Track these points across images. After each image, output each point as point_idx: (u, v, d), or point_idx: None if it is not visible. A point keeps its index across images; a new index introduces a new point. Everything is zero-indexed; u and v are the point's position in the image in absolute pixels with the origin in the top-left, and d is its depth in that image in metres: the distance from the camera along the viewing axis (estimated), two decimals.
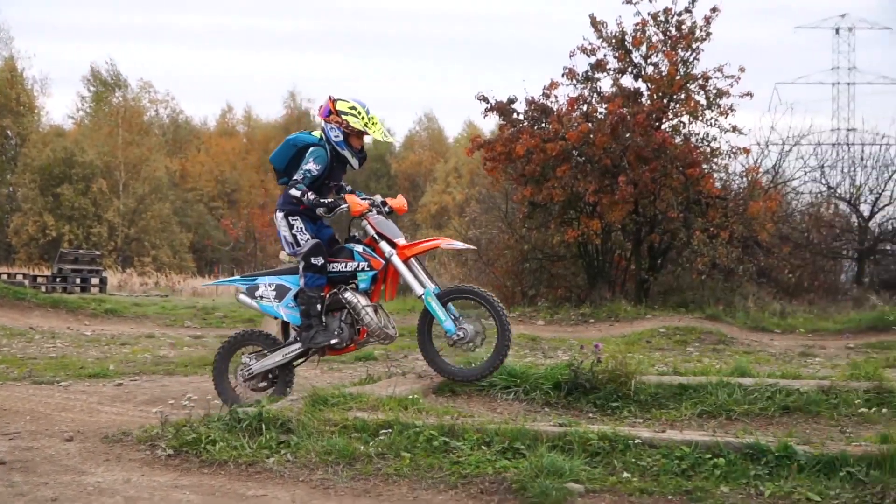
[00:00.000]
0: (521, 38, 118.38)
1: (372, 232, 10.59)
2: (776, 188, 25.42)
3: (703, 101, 24.04)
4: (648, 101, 23.89)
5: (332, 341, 10.60)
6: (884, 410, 9.93)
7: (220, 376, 10.98)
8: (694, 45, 24.07)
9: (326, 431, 8.68)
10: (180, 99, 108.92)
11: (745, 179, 25.17)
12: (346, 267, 10.64)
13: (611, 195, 22.97)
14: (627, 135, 23.07)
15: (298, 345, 10.75)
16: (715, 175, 24.61)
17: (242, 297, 11.08)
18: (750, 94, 23.90)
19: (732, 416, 10.00)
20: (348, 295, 10.55)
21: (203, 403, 9.73)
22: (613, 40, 24.33)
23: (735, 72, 23.99)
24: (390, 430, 8.57)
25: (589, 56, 24.56)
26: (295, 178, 10.46)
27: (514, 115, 24.68)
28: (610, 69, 24.53)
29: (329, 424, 8.80)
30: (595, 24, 24.45)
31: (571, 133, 23.15)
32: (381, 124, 10.85)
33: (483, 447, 8.30)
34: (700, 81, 23.98)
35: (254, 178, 69.99)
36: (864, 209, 25.75)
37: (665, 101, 23.88)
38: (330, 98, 10.83)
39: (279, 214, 10.76)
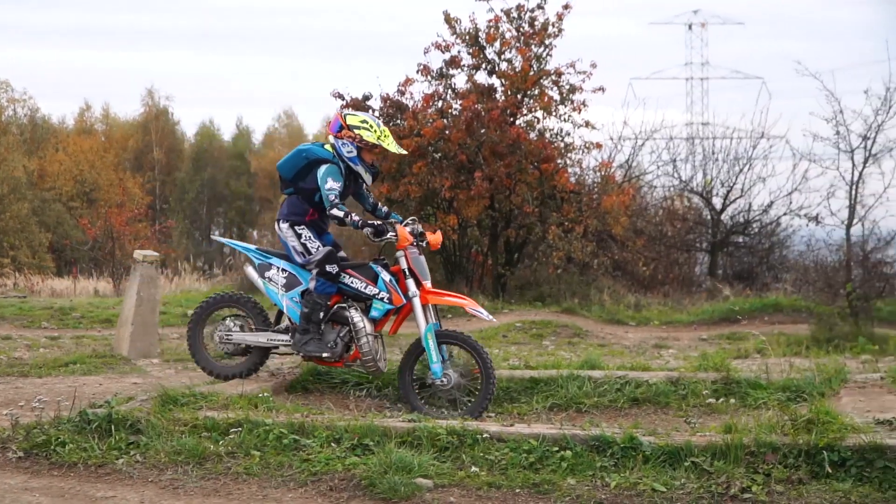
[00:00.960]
0: (378, 34, 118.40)
1: (404, 265, 10.36)
2: (630, 182, 25.76)
3: (557, 97, 24.25)
4: (503, 97, 24.00)
5: (324, 355, 10.42)
6: (731, 401, 10.15)
7: (195, 337, 10.93)
8: (547, 42, 24.23)
9: (176, 431, 8.63)
10: (38, 97, 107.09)
11: (598, 174, 25.47)
12: (364, 288, 10.41)
13: (467, 191, 23.03)
14: (482, 130, 23.14)
15: (287, 338, 10.59)
16: (569, 170, 24.86)
17: (250, 270, 10.94)
18: (602, 90, 24.19)
19: (583, 408, 10.15)
20: (356, 317, 10.33)
21: (54, 405, 9.52)
22: (467, 37, 24.37)
23: (588, 67, 24.23)
24: (240, 429, 8.53)
25: (443, 52, 24.57)
26: (330, 199, 10.12)
27: (370, 112, 24.60)
28: (464, 65, 24.58)
29: (179, 424, 8.75)
30: (449, 20, 24.47)
31: (427, 129, 23.15)
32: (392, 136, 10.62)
33: (333, 444, 8.32)
34: (553, 77, 24.15)
35: (112, 177, 68.86)
36: (717, 202, 26.19)
37: (519, 96, 24.01)
38: (339, 113, 10.66)
39: (284, 225, 10.58)
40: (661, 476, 7.71)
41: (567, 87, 24.19)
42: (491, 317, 10.57)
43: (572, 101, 24.20)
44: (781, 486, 7.56)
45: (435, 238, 10.70)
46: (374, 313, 10.35)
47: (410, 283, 10.28)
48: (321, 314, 10.34)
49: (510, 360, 12.84)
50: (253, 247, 11.14)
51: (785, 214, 24.89)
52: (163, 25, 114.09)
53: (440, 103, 24.28)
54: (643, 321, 20.65)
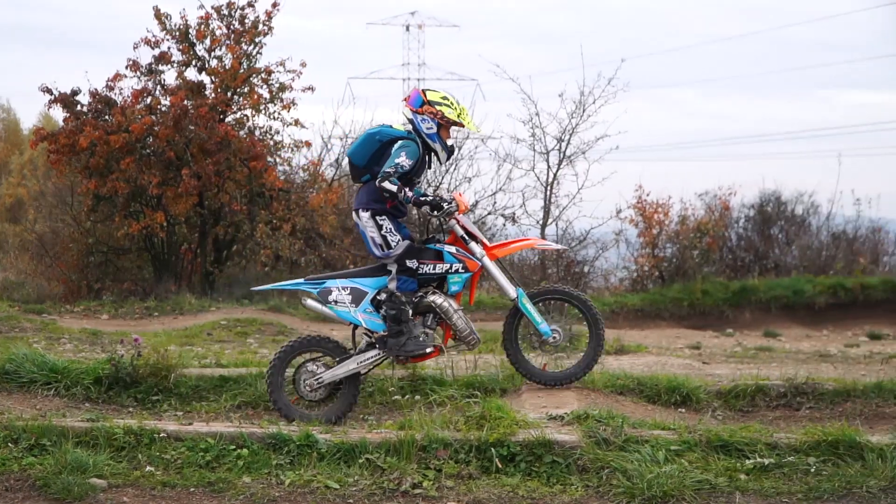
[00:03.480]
0: (92, 29, 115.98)
1: (461, 232, 10.12)
2: (339, 181, 25.93)
3: (267, 95, 24.31)
4: (212, 95, 23.93)
5: (428, 350, 10.01)
6: (416, 397, 10.34)
7: (278, 388, 10.02)
8: (257, 40, 24.27)
9: None
10: None
11: (307, 172, 25.62)
12: (434, 269, 10.06)
13: (175, 188, 22.88)
14: (191, 127, 23.01)
15: (377, 352, 10.06)
16: (278, 168, 24.96)
17: (311, 302, 10.26)
18: (312, 88, 24.36)
19: (273, 407, 10.20)
20: (439, 299, 10.02)
21: None
22: (177, 33, 24.20)
23: (298, 66, 24.39)
24: None
25: (153, 48, 24.33)
26: (385, 170, 9.74)
27: (79, 108, 24.17)
28: (174, 62, 24.38)
29: None
30: (159, 16, 24.23)
31: (135, 125, 22.88)
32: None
33: (10, 444, 8.23)
34: (263, 75, 24.22)
35: None
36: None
37: (229, 94, 23.98)
38: (419, 90, 10.31)
39: (365, 214, 10.05)
40: (336, 473, 7.91)
41: (277, 85, 24.29)
42: (559, 245, 10.52)
43: (282, 100, 24.31)
44: (452, 481, 7.86)
45: (464, 200, 10.31)
46: (453, 288, 10.08)
47: (474, 246, 10.09)
48: (409, 312, 9.97)
49: (208, 359, 12.79)
50: (301, 280, 10.63)
51: (489, 214, 25.41)
52: None
53: (149, 99, 24.03)
54: None
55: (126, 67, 24.31)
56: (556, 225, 17.75)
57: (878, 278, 22.62)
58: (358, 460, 8.05)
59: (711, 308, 21.31)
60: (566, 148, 17.58)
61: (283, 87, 24.25)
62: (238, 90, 24.13)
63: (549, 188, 17.65)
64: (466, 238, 10.10)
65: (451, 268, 10.03)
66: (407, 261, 9.91)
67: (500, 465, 8.05)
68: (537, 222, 17.67)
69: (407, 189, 9.77)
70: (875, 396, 10.60)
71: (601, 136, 17.66)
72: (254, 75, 24.19)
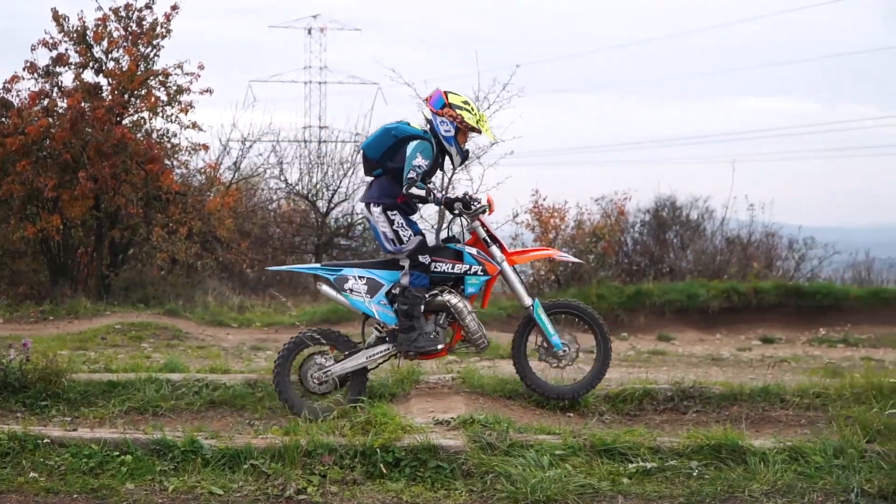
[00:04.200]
0: None
1: (483, 234, 10.21)
2: (236, 184, 25.87)
3: (164, 98, 24.15)
4: (109, 97, 23.73)
5: (439, 347, 10.05)
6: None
7: (285, 380, 10.06)
8: (155, 42, 24.09)
9: None
10: None
11: (204, 176, 25.50)
12: (452, 268, 10.11)
13: (71, 191, 22.68)
14: (88, 130, 22.82)
15: (387, 346, 10.11)
16: (176, 171, 24.81)
17: (326, 288, 10.28)
18: (210, 91, 24.23)
19: (160, 411, 10.16)
20: (454, 299, 10.03)
21: None
22: (75, 34, 23.95)
23: (195, 69, 24.25)
24: None
25: (51, 50, 24.07)
26: (408, 176, 9.79)
27: None
28: (72, 63, 24.11)
29: None
30: (57, 17, 23.95)
31: (31, 128, 22.64)
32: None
33: None
34: (161, 78, 24.06)
35: None
36: (322, 205, 26.55)
37: (126, 96, 23.79)
38: (442, 91, 10.24)
39: (376, 209, 10.07)
40: (220, 479, 7.90)
41: (175, 87, 24.14)
42: (576, 259, 10.73)
43: (180, 102, 24.15)
44: (336, 487, 7.89)
45: (492, 203, 10.38)
46: (470, 290, 10.13)
47: (495, 249, 10.18)
48: (421, 308, 9.97)
49: (107, 363, 12.70)
50: (317, 265, 10.73)
51: None
52: None
53: (46, 101, 23.77)
54: (245, 323, 20.76)
55: (23, 69, 24.02)
56: (450, 229, 17.75)
57: (770, 283, 22.91)
58: (243, 466, 8.05)
59: (606, 312, 21.32)
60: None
61: (180, 90, 24.11)
62: (135, 92, 23.93)
63: (444, 193, 17.71)
64: (488, 241, 10.20)
65: (469, 269, 10.11)
66: (420, 256, 9.96)
67: (384, 471, 8.09)
68: (432, 226, 17.72)
69: (436, 191, 9.92)
70: (762, 400, 10.78)
71: (495, 141, 17.75)
72: (151, 77, 24.01)
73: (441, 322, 10.09)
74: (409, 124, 10.19)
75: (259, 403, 10.43)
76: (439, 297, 10.01)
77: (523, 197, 24.89)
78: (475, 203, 10.07)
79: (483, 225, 10.21)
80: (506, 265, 10.17)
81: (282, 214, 27.83)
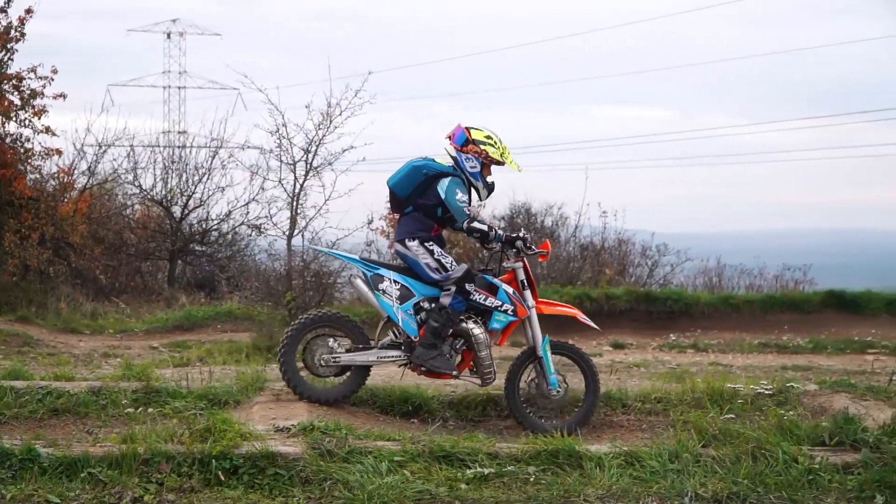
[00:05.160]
0: None
1: (522, 277, 10.40)
2: (90, 189, 25.57)
3: (18, 102, 23.78)
4: None
5: (453, 372, 10.28)
6: (150, 409, 10.27)
7: (290, 362, 10.25)
8: (9, 46, 23.74)
9: None
10: None
11: (57, 181, 25.15)
12: (485, 300, 10.28)
13: None
14: None
15: (399, 354, 10.30)
16: (29, 176, 24.42)
17: (360, 283, 10.43)
18: (63, 96, 23.88)
19: (2, 419, 10.03)
20: (477, 331, 10.22)
21: None
22: None
23: (49, 73, 23.91)
24: None
25: None
26: (465, 212, 10.06)
27: None
28: None
29: None
30: None
31: None
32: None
33: None
34: (14, 82, 23.69)
35: None
36: (177, 211, 26.35)
37: None
38: (463, 126, 10.43)
39: (413, 243, 10.26)
40: (58, 487, 7.86)
41: (28, 92, 23.79)
42: (594, 325, 11.08)
43: (33, 107, 23.80)
44: (173, 495, 7.91)
45: (547, 249, 10.65)
46: (495, 325, 10.33)
47: (528, 294, 10.40)
48: (450, 330, 10.15)
49: None
50: (356, 256, 10.88)
51: (242, 224, 25.43)
52: None
53: None
54: (98, 329, 20.53)
55: None
56: (302, 236, 17.86)
57: (622, 289, 23.12)
58: (80, 474, 8.01)
59: None
60: (313, 159, 17.67)
61: (34, 94, 23.74)
62: None
63: (295, 199, 17.74)
64: (525, 285, 10.42)
65: (501, 305, 10.30)
66: (466, 284, 10.13)
67: (222, 478, 8.11)
68: (284, 233, 17.72)
69: (497, 228, 10.23)
70: (604, 405, 11.01)
71: (348, 147, 17.81)
72: (5, 82, 23.64)
73: (457, 347, 10.32)
74: (434, 160, 10.39)
75: (102, 411, 10.31)
76: (463, 324, 10.22)
77: (379, 203, 24.83)
78: (532, 249, 10.39)
79: (525, 267, 10.43)
80: (534, 312, 10.45)
81: (136, 220, 27.54)
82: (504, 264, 10.48)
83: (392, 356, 10.31)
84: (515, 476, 8.41)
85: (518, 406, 10.43)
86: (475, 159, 10.32)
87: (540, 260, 10.50)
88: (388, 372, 13.87)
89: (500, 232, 10.20)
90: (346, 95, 17.69)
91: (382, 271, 10.40)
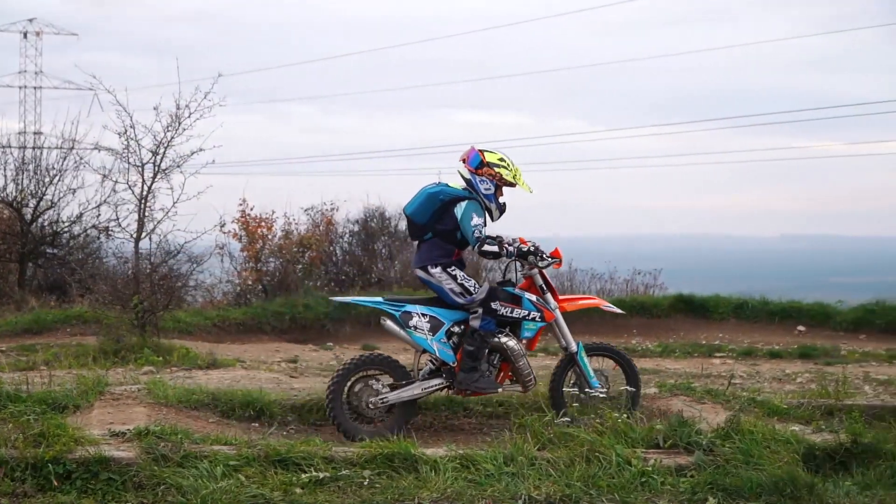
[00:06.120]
0: None
1: (540, 282, 10.67)
2: None
3: None
4: None
5: (499, 389, 10.64)
6: None
7: (339, 405, 10.34)
8: None
9: None
10: None
11: None
12: (511, 312, 10.51)
13: None
14: None
15: (440, 381, 10.51)
16: None
17: (391, 324, 10.61)
18: None
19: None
20: (512, 343, 10.49)
21: None
22: None
23: None
24: None
25: None
26: (475, 236, 10.25)
27: None
28: None
29: None
30: None
31: None
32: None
33: None
34: None
35: None
36: (27, 213, 25.87)
37: None
38: (477, 149, 10.61)
39: (436, 269, 10.46)
40: None
41: None
42: (619, 310, 11.42)
43: None
44: (7, 500, 7.83)
45: (560, 256, 10.77)
46: (526, 334, 10.61)
47: (549, 297, 10.67)
48: (486, 350, 10.37)
49: None
50: (380, 299, 10.85)
51: (93, 227, 25.07)
52: None
53: None
54: None
55: None
56: (150, 239, 17.61)
57: None
58: None
59: (313, 322, 21.54)
60: (161, 161, 17.47)
61: None
62: None
63: (143, 201, 17.53)
64: (544, 288, 10.70)
65: (528, 315, 10.57)
66: (492, 303, 10.40)
67: (56, 483, 8.05)
68: (131, 236, 17.50)
69: (507, 243, 10.42)
70: (445, 409, 11.13)
71: (196, 149, 17.64)
72: None
73: (494, 362, 10.55)
74: (448, 185, 10.61)
75: None
76: (496, 339, 10.45)
77: (231, 206, 24.65)
78: (546, 259, 10.59)
79: (541, 272, 10.70)
80: (559, 312, 10.73)
81: None
82: (520, 273, 10.76)
83: (435, 385, 10.55)
84: (351, 480, 8.44)
85: (558, 405, 10.67)
86: (489, 181, 10.53)
87: (555, 267, 10.76)
88: (234, 375, 13.88)
89: (512, 248, 10.43)
90: (196, 97, 17.51)
91: (409, 307, 10.57)
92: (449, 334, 10.51)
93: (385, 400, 10.36)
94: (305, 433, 10.25)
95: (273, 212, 25.17)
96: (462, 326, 10.50)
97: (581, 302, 11.45)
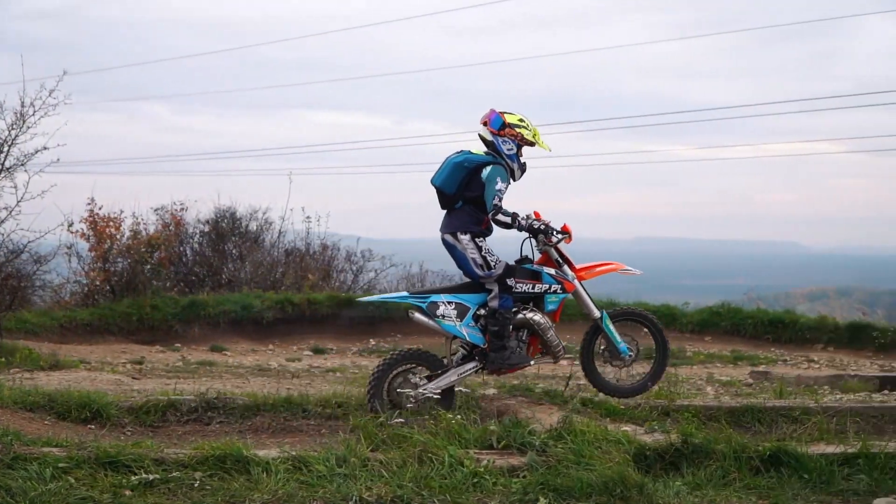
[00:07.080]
0: None
1: (555, 255, 11.06)
2: None
3: None
4: None
5: (531, 362, 11.08)
6: None
7: (381, 400, 10.66)
8: None
9: None
10: None
11: None
12: (532, 288, 10.89)
13: None
14: None
15: (474, 364, 10.86)
16: None
17: (419, 316, 10.82)
18: None
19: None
20: (538, 317, 10.86)
21: None
22: None
23: None
24: None
25: None
26: (493, 203, 10.56)
27: None
28: None
29: None
30: None
31: None
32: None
33: None
34: None
35: None
36: None
37: None
38: (497, 111, 10.88)
39: (465, 237, 10.75)
40: None
41: None
42: (637, 270, 11.53)
43: None
44: None
45: (570, 231, 11.05)
46: (550, 307, 10.99)
47: (566, 269, 11.04)
48: (510, 327, 10.69)
49: None
50: (406, 293, 11.37)
51: None
52: None
53: None
54: None
55: None
56: None
57: (324, 294, 23.30)
58: None
59: (161, 323, 21.38)
60: (4, 160, 17.26)
61: None
62: None
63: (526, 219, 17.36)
64: (561, 261, 11.09)
65: (549, 288, 10.97)
66: (507, 280, 10.70)
67: None
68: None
69: (521, 217, 10.77)
70: (284, 410, 11.19)
71: (41, 148, 17.46)
72: None
73: (523, 338, 10.95)
74: (471, 152, 10.92)
75: None
76: (520, 316, 10.83)
77: (79, 206, 24.30)
78: (557, 234, 10.92)
79: (555, 248, 11.08)
80: (578, 282, 11.12)
81: None
82: (536, 249, 11.15)
83: (469, 369, 10.89)
84: (181, 482, 8.43)
85: (592, 372, 11.40)
86: (512, 141, 10.85)
87: (566, 242, 11.10)
88: (77, 376, 13.79)
89: (524, 222, 10.79)
90: (41, 95, 17.34)
91: (434, 297, 10.89)
92: (476, 318, 10.84)
93: (425, 393, 10.64)
94: (142, 435, 10.22)
95: (122, 211, 24.81)
96: (486, 308, 10.83)
97: (599, 269, 11.63)
